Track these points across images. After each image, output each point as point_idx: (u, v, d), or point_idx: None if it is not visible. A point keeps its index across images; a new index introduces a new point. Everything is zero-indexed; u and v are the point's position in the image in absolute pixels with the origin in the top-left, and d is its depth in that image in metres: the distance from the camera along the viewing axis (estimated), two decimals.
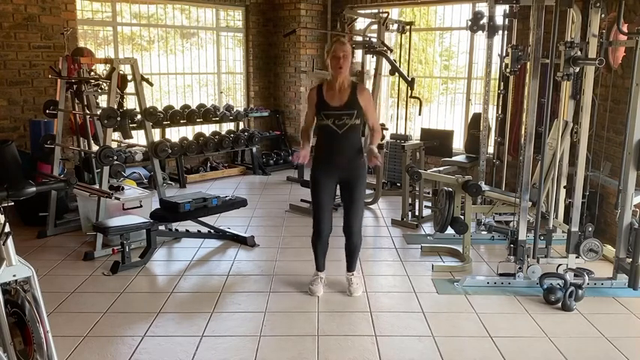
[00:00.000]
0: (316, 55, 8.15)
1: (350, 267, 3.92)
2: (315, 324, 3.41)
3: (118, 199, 4.62)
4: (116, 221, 4.39)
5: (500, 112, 5.29)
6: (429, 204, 5.72)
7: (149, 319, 3.44)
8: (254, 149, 7.86)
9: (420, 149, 5.80)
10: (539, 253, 3.96)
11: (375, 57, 5.94)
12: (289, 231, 5.27)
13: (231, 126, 8.26)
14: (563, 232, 4.60)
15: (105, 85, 4.98)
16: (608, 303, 3.76)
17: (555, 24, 3.68)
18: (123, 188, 5.00)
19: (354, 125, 3.62)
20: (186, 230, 4.93)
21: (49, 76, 5.53)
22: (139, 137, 5.79)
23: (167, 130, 7.37)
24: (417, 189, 5.54)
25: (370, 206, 6.09)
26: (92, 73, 5.21)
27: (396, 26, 5.99)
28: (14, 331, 2.29)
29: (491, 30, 4.64)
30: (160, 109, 7.12)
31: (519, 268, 3.92)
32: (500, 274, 4.06)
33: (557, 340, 3.24)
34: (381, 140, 5.85)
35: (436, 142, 6.15)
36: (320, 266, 3.93)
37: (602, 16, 3.87)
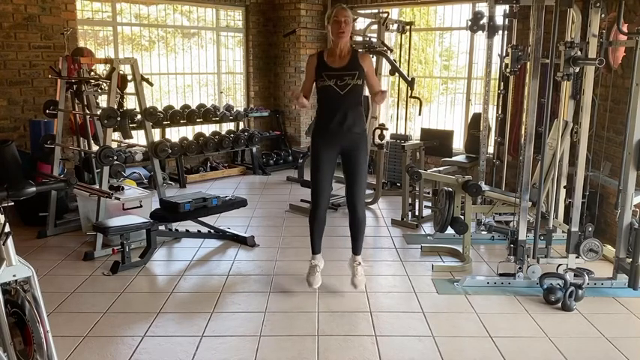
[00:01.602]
0: (316, 52, 8.13)
1: (356, 249, 3.84)
2: (315, 324, 3.41)
3: (118, 199, 4.62)
4: (116, 221, 4.39)
5: (500, 112, 5.29)
6: (429, 204, 5.72)
7: (149, 319, 3.44)
8: (254, 149, 7.86)
9: (420, 149, 5.80)
10: (539, 253, 3.96)
11: (375, 57, 5.94)
12: (289, 231, 5.27)
13: (231, 126, 8.26)
14: (563, 232, 4.61)
15: (105, 85, 4.98)
16: (608, 303, 3.76)
17: (555, 24, 3.68)
18: (123, 188, 5.00)
19: (357, 86, 3.57)
20: (186, 230, 4.93)
21: (49, 76, 5.54)
22: (139, 137, 5.79)
23: (167, 130, 7.37)
24: (417, 189, 5.54)
25: (370, 206, 6.09)
26: (92, 73, 5.20)
27: (396, 26, 5.98)
28: (14, 331, 2.29)
29: (491, 30, 4.64)
30: (160, 109, 7.12)
31: (519, 268, 3.92)
32: (500, 274, 4.06)
33: (557, 340, 3.24)
34: (381, 140, 5.86)
35: (436, 142, 6.15)
36: (316, 247, 3.85)
37: (602, 16, 3.87)
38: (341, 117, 3.60)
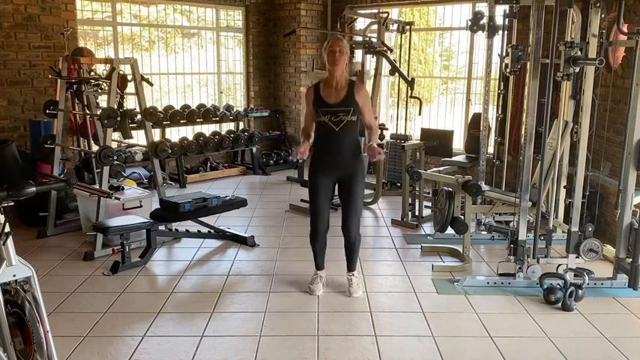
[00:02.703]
0: (316, 55, 8.15)
1: (350, 267, 3.92)
2: (315, 324, 3.41)
3: (118, 199, 4.62)
4: (116, 221, 4.39)
5: (500, 112, 5.29)
6: (429, 204, 5.72)
7: (149, 319, 3.44)
8: (254, 149, 7.86)
9: (420, 149, 5.80)
10: (539, 253, 3.97)
11: (375, 57, 5.94)
12: (289, 231, 5.27)
13: (231, 126, 8.26)
14: (563, 232, 4.61)
15: (105, 85, 4.98)
16: (608, 303, 3.76)
17: (555, 24, 3.68)
18: (123, 188, 5.00)
19: (351, 122, 3.61)
20: (186, 230, 4.93)
21: (49, 76, 5.54)
22: (139, 137, 5.78)
23: (167, 130, 7.37)
24: (417, 189, 5.54)
25: (370, 206, 6.09)
26: (92, 73, 5.21)
27: (396, 26, 5.98)
28: (14, 331, 2.29)
29: (491, 30, 4.64)
30: (160, 109, 7.12)
31: (519, 268, 3.92)
32: (500, 274, 4.06)
33: (557, 340, 3.24)
34: (381, 140, 5.86)
35: (436, 142, 6.15)
36: (319, 265, 3.93)
37: (602, 16, 3.87)
38: (336, 150, 3.66)
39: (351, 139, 3.67)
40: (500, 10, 4.69)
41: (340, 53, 3.55)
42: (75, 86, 5.00)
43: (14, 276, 2.26)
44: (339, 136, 3.63)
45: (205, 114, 7.58)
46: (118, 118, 4.60)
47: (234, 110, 8.01)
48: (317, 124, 3.69)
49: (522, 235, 3.86)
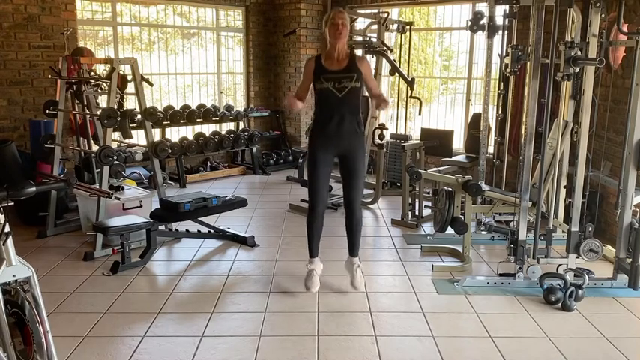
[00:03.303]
0: (314, 54, 8.14)
1: (353, 250, 3.86)
2: (315, 324, 3.41)
3: (118, 199, 4.62)
4: (116, 221, 4.39)
5: (500, 112, 5.29)
6: (429, 204, 5.72)
7: (149, 319, 3.44)
8: (254, 149, 7.86)
9: (420, 149, 5.80)
10: (539, 253, 3.96)
11: (375, 57, 5.94)
12: (289, 231, 5.27)
13: (231, 126, 8.26)
14: (563, 232, 4.60)
15: (105, 85, 4.98)
16: (608, 303, 3.76)
17: (555, 24, 3.68)
18: (123, 188, 5.00)
19: (354, 88, 3.59)
20: (186, 230, 4.93)
21: (49, 76, 5.54)
22: (139, 137, 5.79)
23: (167, 130, 7.37)
24: (417, 189, 5.54)
25: (370, 206, 6.09)
26: (92, 73, 5.20)
27: (396, 26, 5.98)
28: (14, 331, 2.29)
29: (491, 30, 4.64)
30: (160, 109, 7.12)
31: (519, 268, 3.92)
32: (500, 274, 4.06)
33: (557, 340, 3.24)
34: (381, 140, 5.86)
35: (436, 142, 6.15)
36: (313, 251, 3.86)
37: (602, 16, 3.87)
38: (339, 119, 3.61)
39: (353, 109, 3.64)
40: (500, 10, 4.70)
41: (343, 26, 3.54)
42: (75, 86, 5.00)
43: (14, 276, 2.26)
44: (342, 104, 3.59)
45: (205, 114, 7.58)
46: (118, 118, 4.60)
47: (234, 110, 8.01)
48: (319, 92, 3.64)
49: (522, 235, 3.86)
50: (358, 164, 3.71)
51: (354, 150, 3.68)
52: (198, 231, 4.97)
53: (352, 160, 3.69)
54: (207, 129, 7.94)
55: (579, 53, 3.81)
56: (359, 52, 6.23)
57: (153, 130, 5.05)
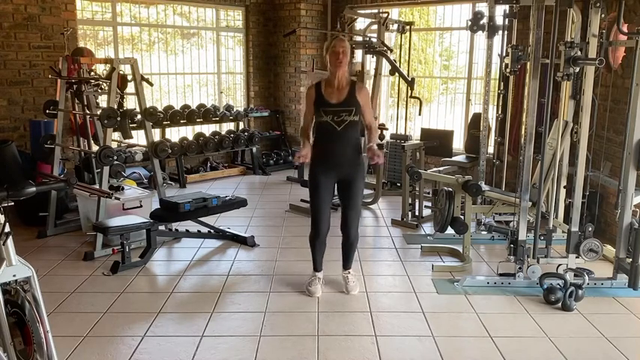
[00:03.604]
0: (316, 55, 8.15)
1: (346, 265, 3.93)
2: (315, 324, 3.41)
3: (118, 199, 4.62)
4: (116, 221, 4.39)
5: (500, 112, 5.29)
6: (429, 204, 5.72)
7: (149, 319, 3.44)
8: (254, 149, 7.86)
9: (420, 149, 5.80)
10: (539, 253, 3.96)
11: (375, 57, 5.94)
12: (289, 231, 5.27)
13: (231, 126, 8.26)
14: (563, 232, 4.60)
15: (105, 85, 4.98)
16: (608, 303, 3.76)
17: (555, 24, 3.68)
18: (123, 188, 5.00)
19: (353, 122, 3.62)
20: (186, 230, 4.93)
21: (49, 76, 5.54)
22: (139, 137, 5.79)
23: (167, 130, 7.37)
24: (417, 189, 5.54)
25: (370, 206, 6.09)
26: (92, 73, 5.21)
27: (396, 26, 5.99)
28: (14, 331, 2.29)
29: (491, 30, 4.64)
30: (160, 109, 7.12)
31: (519, 268, 3.92)
32: (500, 274, 4.06)
33: (557, 340, 3.24)
34: (381, 140, 5.86)
35: (436, 142, 6.15)
36: (318, 266, 3.93)
37: (602, 16, 3.87)
38: (338, 150, 3.66)
39: (353, 139, 3.68)
40: (500, 10, 4.70)
41: (343, 54, 3.55)
42: (75, 86, 5.00)
43: (14, 276, 2.26)
44: (341, 136, 3.63)
45: (205, 114, 7.58)
46: (118, 118, 4.60)
47: (234, 110, 8.01)
48: (318, 124, 3.68)
49: (522, 235, 3.86)
50: (356, 190, 3.74)
51: (352, 176, 3.72)
52: (198, 231, 4.97)
53: (351, 187, 3.73)
54: (207, 129, 7.94)
55: (579, 53, 3.80)
56: (359, 53, 6.25)
57: (153, 130, 5.05)
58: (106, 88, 4.89)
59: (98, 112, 4.77)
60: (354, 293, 3.85)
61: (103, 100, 5.51)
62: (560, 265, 3.93)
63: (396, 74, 5.90)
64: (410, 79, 5.74)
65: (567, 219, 4.17)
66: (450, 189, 4.38)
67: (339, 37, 3.69)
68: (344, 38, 3.69)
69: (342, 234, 3.83)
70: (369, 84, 6.26)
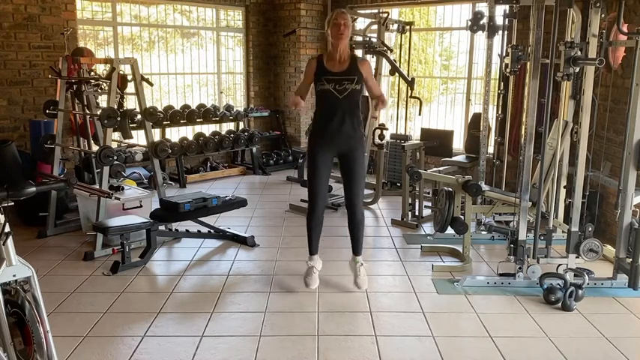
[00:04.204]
0: (316, 55, 8.13)
1: (356, 249, 3.89)
2: (315, 324, 3.41)
3: (118, 199, 4.62)
4: (116, 221, 4.38)
5: (500, 112, 5.29)
6: (429, 204, 5.72)
7: (149, 319, 3.44)
8: (254, 149, 7.86)
9: (420, 149, 5.80)
10: (539, 253, 3.96)
11: (375, 57, 5.94)
12: (289, 231, 5.27)
13: (231, 126, 8.26)
14: (563, 232, 4.60)
15: (105, 85, 4.98)
16: (608, 303, 3.76)
17: (555, 24, 3.68)
18: (123, 188, 5.00)
19: (355, 90, 3.62)
20: (186, 230, 4.93)
21: (49, 76, 5.54)
22: (139, 137, 5.79)
23: (167, 130, 7.37)
24: (417, 189, 5.54)
25: (370, 206, 6.09)
26: (92, 73, 5.20)
27: (396, 26, 5.98)
28: (14, 331, 2.29)
29: (491, 30, 4.64)
30: (160, 109, 7.12)
31: (519, 268, 3.92)
32: (500, 274, 4.06)
33: (557, 340, 3.24)
34: (381, 140, 5.86)
35: (436, 142, 6.15)
36: (313, 249, 3.89)
37: (602, 16, 3.87)
38: (339, 120, 3.65)
39: (353, 110, 3.67)
40: (500, 10, 4.70)
41: (345, 26, 3.58)
42: (75, 86, 5.00)
43: (14, 276, 2.26)
44: (342, 105, 3.62)
45: (205, 114, 7.58)
46: (118, 118, 4.60)
47: (234, 110, 8.01)
48: (319, 93, 3.67)
49: (522, 235, 3.86)
50: (358, 164, 3.73)
51: (353, 150, 3.71)
52: (198, 231, 4.97)
53: (352, 160, 3.71)
54: (207, 129, 7.94)
55: (579, 53, 3.80)
56: (359, 52, 6.25)
57: (153, 130, 5.05)
58: (106, 88, 4.88)
59: (98, 112, 4.77)
60: (364, 287, 3.83)
61: (103, 100, 5.51)
62: (560, 265, 3.93)
63: (396, 74, 5.90)
64: (410, 79, 5.74)
65: (567, 219, 4.17)
66: (450, 189, 4.38)
67: (340, 10, 3.70)
68: (345, 11, 3.70)
69: (348, 211, 3.80)
70: None
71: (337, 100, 3.61)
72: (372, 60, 6.35)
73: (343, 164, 3.75)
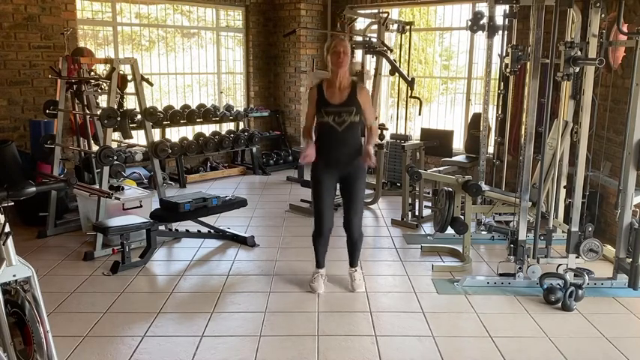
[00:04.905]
0: (316, 55, 8.15)
1: (352, 262, 3.96)
2: (315, 324, 3.41)
3: (118, 199, 4.62)
4: (116, 221, 4.38)
5: (500, 112, 5.29)
6: (429, 204, 5.72)
7: (149, 319, 3.44)
8: (254, 149, 7.86)
9: (420, 149, 5.80)
10: (539, 253, 3.96)
11: (375, 57, 5.94)
12: (289, 231, 5.27)
13: (231, 126, 8.26)
14: (563, 232, 4.60)
15: (105, 85, 4.98)
16: (608, 303, 3.76)
17: (555, 24, 3.68)
18: (123, 188, 5.00)
19: (354, 122, 3.65)
20: (186, 230, 4.93)
21: (49, 76, 5.54)
22: (139, 137, 5.79)
23: (167, 130, 7.37)
24: (417, 189, 5.54)
25: (370, 206, 6.09)
26: (92, 73, 5.21)
27: (396, 26, 5.98)
28: (14, 331, 2.29)
29: (491, 30, 4.64)
30: (160, 109, 7.12)
31: (519, 268, 3.92)
32: (500, 274, 4.06)
33: (557, 340, 3.24)
34: (381, 140, 5.86)
35: (436, 142, 6.15)
36: (320, 263, 3.95)
37: (602, 16, 3.87)
38: (339, 150, 3.69)
39: (354, 139, 3.71)
40: (500, 10, 4.70)
41: (344, 54, 3.58)
42: (75, 86, 5.00)
43: (14, 276, 2.26)
44: (342, 137, 3.66)
45: (205, 114, 7.58)
46: (118, 118, 4.60)
47: (234, 110, 8.01)
48: (320, 124, 3.70)
49: (522, 235, 3.86)
50: (358, 186, 3.77)
51: (354, 176, 3.75)
52: (198, 231, 4.97)
53: (353, 186, 3.76)
54: (207, 129, 7.94)
55: (579, 53, 3.81)
56: (359, 53, 6.25)
57: (153, 130, 5.05)
58: (106, 88, 4.89)
59: (98, 112, 4.77)
60: (360, 290, 3.87)
61: (103, 100, 5.51)
62: (560, 265, 3.93)
63: (396, 74, 5.90)
64: (410, 79, 5.74)
65: (567, 219, 4.17)
66: (450, 189, 4.38)
67: (340, 37, 3.73)
68: (344, 38, 3.73)
69: (346, 233, 3.85)
70: (369, 84, 6.26)
71: (337, 132, 3.64)
72: (371, 60, 6.37)
73: (343, 188, 3.80)
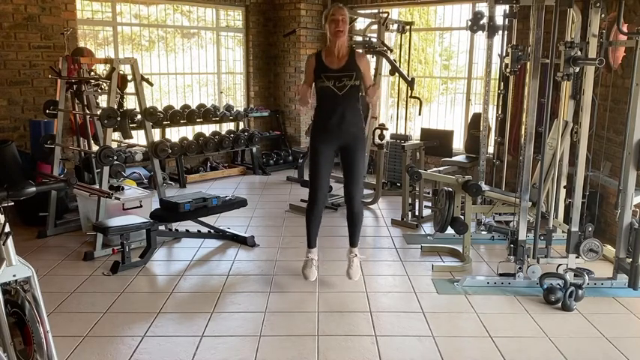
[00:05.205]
0: (314, 52, 8.14)
1: (353, 242, 3.95)
2: (315, 324, 3.41)
3: (118, 199, 4.62)
4: (116, 221, 4.38)
5: (500, 112, 5.29)
6: (429, 204, 5.72)
7: (149, 319, 3.44)
8: (254, 149, 7.86)
9: (420, 149, 5.80)
10: (539, 253, 3.96)
11: (375, 57, 5.94)
12: (289, 231, 5.27)
13: (231, 126, 8.26)
14: (563, 232, 4.60)
15: (105, 85, 4.98)
16: (608, 303, 3.76)
17: (555, 24, 3.68)
18: (123, 188, 5.00)
19: (354, 87, 3.67)
20: (186, 230, 4.93)
21: (49, 76, 5.54)
22: (139, 137, 5.79)
23: (167, 130, 7.37)
24: (417, 189, 5.54)
25: (370, 206, 6.09)
26: (92, 73, 5.21)
27: (396, 26, 5.98)
28: (14, 331, 2.29)
29: (491, 30, 4.64)
30: (160, 109, 7.12)
31: (519, 268, 3.92)
32: (500, 274, 4.06)
33: (557, 340, 3.24)
34: (381, 140, 5.86)
35: (436, 142, 6.15)
36: (312, 242, 3.94)
37: (602, 16, 3.87)
38: (339, 116, 3.70)
39: (353, 106, 3.73)
40: (500, 10, 4.70)
41: (343, 22, 3.62)
42: (75, 86, 5.00)
43: (14, 276, 2.26)
44: (342, 102, 3.68)
45: (205, 114, 7.58)
46: (118, 118, 4.60)
47: (234, 110, 8.01)
48: (320, 90, 3.72)
49: (522, 235, 3.86)
50: (358, 157, 3.79)
51: (354, 145, 3.76)
52: (198, 231, 4.97)
53: (352, 155, 3.76)
54: (207, 129, 7.94)
55: (579, 53, 3.81)
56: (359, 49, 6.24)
57: (153, 130, 5.05)
58: (106, 88, 4.89)
59: (98, 112, 4.77)
60: (355, 279, 3.89)
61: (103, 100, 5.51)
62: (560, 265, 3.93)
63: (396, 74, 5.90)
64: (410, 79, 5.74)
65: (567, 219, 4.17)
66: (450, 189, 4.38)
67: (338, 5, 3.73)
68: (342, 6, 3.73)
69: (347, 205, 3.87)
70: None
71: (337, 96, 3.67)
72: (372, 60, 6.36)
73: (344, 157, 3.81)
